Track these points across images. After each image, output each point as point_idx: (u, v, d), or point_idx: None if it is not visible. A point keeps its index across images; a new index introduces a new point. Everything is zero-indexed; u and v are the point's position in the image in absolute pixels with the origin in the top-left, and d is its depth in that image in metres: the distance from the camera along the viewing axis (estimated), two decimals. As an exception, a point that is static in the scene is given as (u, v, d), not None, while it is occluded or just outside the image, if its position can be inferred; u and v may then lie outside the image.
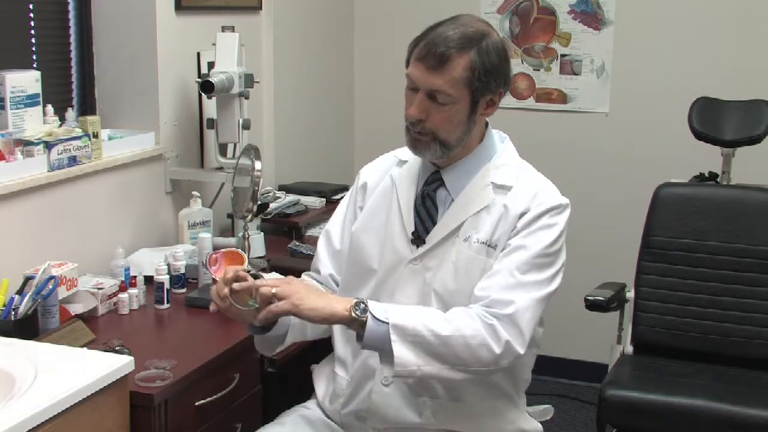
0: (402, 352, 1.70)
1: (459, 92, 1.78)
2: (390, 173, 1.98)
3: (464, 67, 1.77)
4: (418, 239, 1.88)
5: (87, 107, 2.83)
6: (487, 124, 1.93)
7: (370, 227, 1.95)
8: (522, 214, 1.83)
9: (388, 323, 1.70)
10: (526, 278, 1.78)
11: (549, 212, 1.83)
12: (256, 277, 1.74)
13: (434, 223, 1.88)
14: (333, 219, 2.06)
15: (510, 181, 1.87)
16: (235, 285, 1.72)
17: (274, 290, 1.70)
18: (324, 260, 2.03)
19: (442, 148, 1.83)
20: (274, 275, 2.60)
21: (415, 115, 1.80)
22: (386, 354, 1.72)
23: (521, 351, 1.75)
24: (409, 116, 1.82)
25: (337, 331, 1.98)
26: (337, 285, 2.00)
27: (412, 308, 1.79)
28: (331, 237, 2.03)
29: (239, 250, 1.86)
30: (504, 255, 1.81)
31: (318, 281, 2.03)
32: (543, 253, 1.80)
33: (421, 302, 1.85)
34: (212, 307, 1.78)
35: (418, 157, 1.92)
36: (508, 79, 1.86)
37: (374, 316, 1.70)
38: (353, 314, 1.71)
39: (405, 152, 1.95)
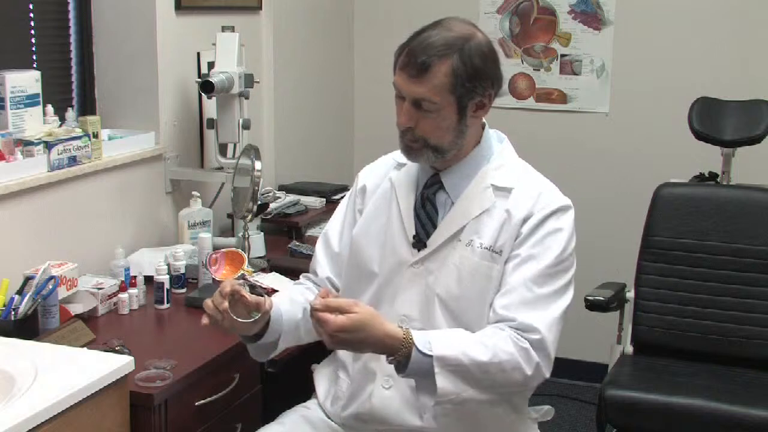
0: (445, 384, 1.70)
1: (443, 99, 1.76)
2: (389, 176, 1.97)
3: (446, 73, 1.75)
4: (419, 243, 1.87)
5: (87, 107, 2.83)
6: (484, 126, 1.91)
7: (370, 231, 1.94)
8: (525, 219, 1.82)
9: (432, 356, 1.69)
10: (544, 291, 1.78)
11: (552, 216, 1.82)
12: (252, 286, 1.74)
13: (435, 227, 1.87)
14: (332, 221, 2.05)
15: (510, 182, 1.86)
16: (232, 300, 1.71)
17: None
18: (322, 262, 2.02)
19: (435, 153, 1.82)
20: (274, 275, 2.61)
21: (404, 124, 1.80)
22: (427, 383, 1.72)
23: (547, 375, 1.80)
24: (398, 125, 1.82)
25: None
26: (336, 288, 1.99)
27: (451, 334, 1.77)
28: (329, 239, 2.02)
29: (239, 250, 1.85)
30: (515, 267, 1.80)
31: (315, 283, 2.02)
32: (556, 262, 1.80)
33: (424, 306, 1.85)
34: (204, 320, 1.75)
35: None
36: (498, 80, 1.83)
37: (418, 349, 1.69)
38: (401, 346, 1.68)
39: (403, 155, 1.95)
